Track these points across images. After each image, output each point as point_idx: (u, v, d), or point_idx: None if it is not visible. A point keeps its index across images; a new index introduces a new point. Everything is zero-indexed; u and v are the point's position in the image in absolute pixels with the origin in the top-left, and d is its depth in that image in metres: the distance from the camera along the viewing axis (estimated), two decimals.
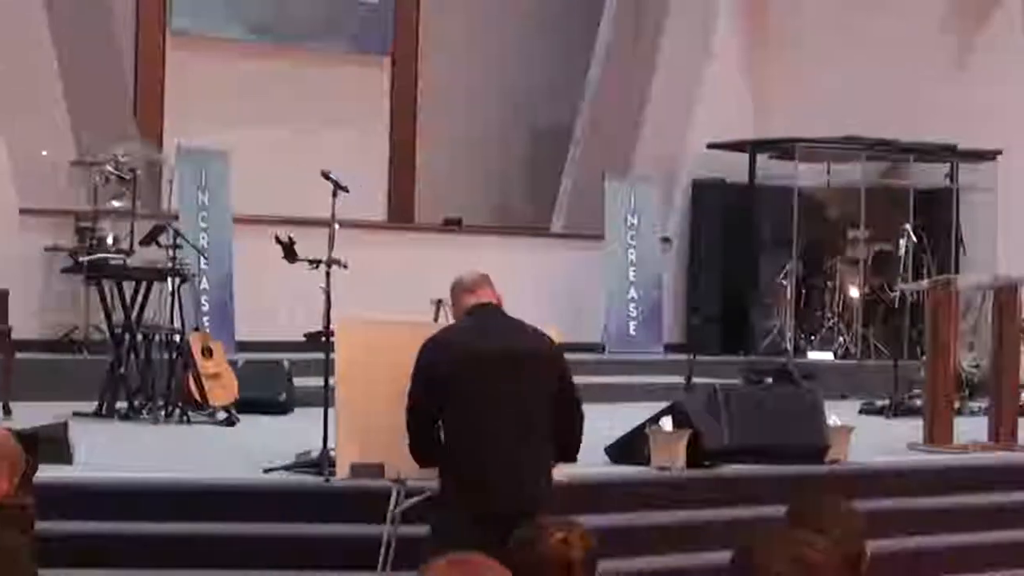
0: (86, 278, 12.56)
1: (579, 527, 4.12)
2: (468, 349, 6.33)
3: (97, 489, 8.44)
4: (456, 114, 17.10)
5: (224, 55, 15.84)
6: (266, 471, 8.76)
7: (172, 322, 11.73)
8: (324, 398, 8.61)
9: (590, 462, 8.07)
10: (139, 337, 11.71)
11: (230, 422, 11.42)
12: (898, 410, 13.19)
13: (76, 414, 10.90)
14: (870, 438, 10.75)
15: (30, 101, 13.51)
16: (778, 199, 16.39)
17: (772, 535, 3.49)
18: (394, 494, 7.50)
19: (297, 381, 12.06)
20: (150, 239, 11.75)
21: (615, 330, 15.82)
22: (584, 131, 17.12)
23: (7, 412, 11.04)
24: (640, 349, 15.75)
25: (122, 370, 11.56)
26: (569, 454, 6.59)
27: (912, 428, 11.54)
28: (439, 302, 10.87)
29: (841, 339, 16.08)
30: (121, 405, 11.45)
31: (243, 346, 13.43)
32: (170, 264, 11.63)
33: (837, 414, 10.29)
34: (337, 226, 9.24)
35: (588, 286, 15.75)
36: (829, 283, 16.42)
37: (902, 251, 14.33)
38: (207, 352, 11.57)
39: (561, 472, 6.77)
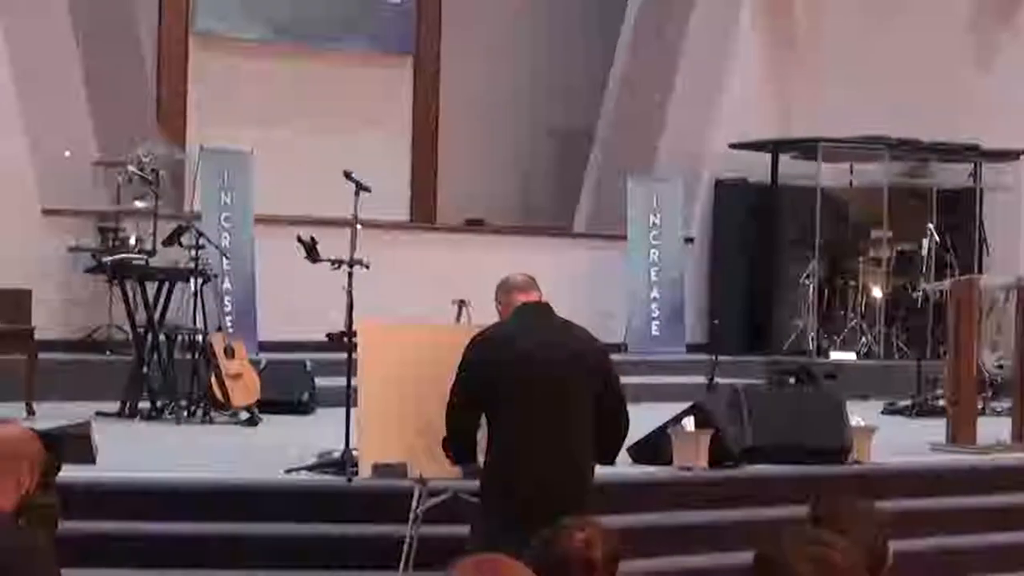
0: (109, 278, 12.61)
1: (601, 527, 4.12)
2: (517, 348, 6.31)
3: (120, 489, 8.46)
4: (478, 114, 17.09)
5: (247, 56, 15.87)
6: (288, 471, 8.78)
7: (195, 322, 11.75)
8: (346, 398, 8.60)
9: None
10: (162, 337, 11.74)
11: (252, 422, 11.43)
12: (921, 410, 13.14)
13: (99, 414, 10.94)
14: (892, 438, 10.72)
15: (53, 102, 13.53)
16: (801, 199, 16.34)
17: (794, 536, 3.49)
18: (416, 494, 7.52)
19: (319, 381, 12.08)
20: (173, 239, 11.77)
21: (637, 330, 15.80)
22: (606, 131, 17.10)
23: (30, 412, 11.06)
24: (662, 349, 15.71)
25: (145, 370, 11.59)
26: (609, 456, 6.56)
27: (935, 428, 11.50)
28: (461, 302, 10.86)
29: (864, 339, 16.03)
30: (144, 405, 11.49)
31: (265, 346, 13.43)
32: (192, 264, 11.65)
33: (859, 414, 10.27)
34: (359, 226, 9.25)
35: (610, 286, 15.71)
36: (852, 283, 16.38)
37: (925, 251, 14.29)
38: (230, 352, 11.57)
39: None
